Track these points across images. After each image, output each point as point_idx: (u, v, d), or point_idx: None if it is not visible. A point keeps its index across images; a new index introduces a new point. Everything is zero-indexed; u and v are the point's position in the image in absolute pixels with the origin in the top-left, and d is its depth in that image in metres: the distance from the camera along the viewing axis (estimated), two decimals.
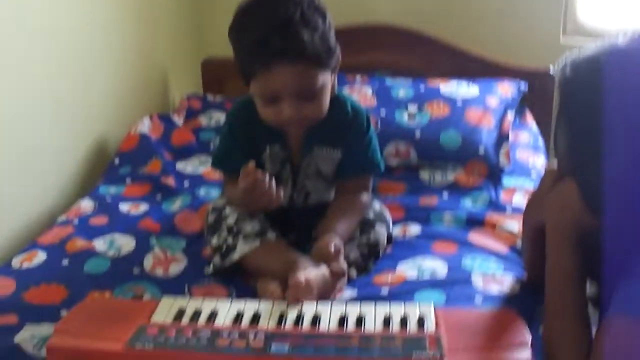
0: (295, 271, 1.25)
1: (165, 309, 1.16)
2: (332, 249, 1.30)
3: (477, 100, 1.94)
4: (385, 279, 1.36)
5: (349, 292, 1.33)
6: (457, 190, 1.72)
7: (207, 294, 1.32)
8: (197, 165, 1.91)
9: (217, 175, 1.74)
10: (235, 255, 1.36)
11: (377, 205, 1.52)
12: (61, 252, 1.46)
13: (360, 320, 1.12)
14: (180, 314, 1.15)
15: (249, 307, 1.17)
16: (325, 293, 1.26)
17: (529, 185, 1.74)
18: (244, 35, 1.34)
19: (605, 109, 0.97)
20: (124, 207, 1.68)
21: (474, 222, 1.57)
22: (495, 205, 1.65)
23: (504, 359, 1.02)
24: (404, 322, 1.12)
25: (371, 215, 1.47)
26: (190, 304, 1.18)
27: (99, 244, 1.50)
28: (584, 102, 1.03)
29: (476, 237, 1.51)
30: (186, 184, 1.81)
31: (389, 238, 1.50)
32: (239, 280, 1.37)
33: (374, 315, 1.14)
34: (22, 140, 1.65)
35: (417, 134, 1.84)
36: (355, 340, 1.06)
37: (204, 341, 1.06)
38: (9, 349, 1.17)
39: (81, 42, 1.87)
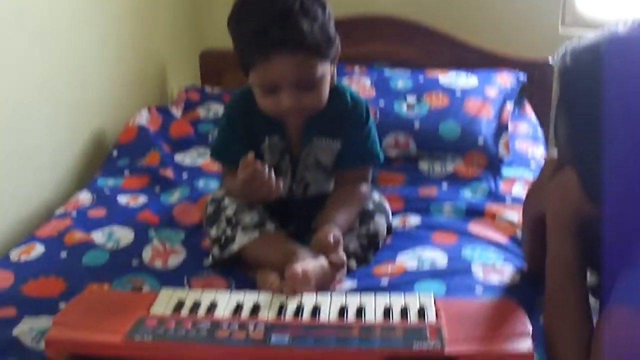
0: (293, 262, 1.25)
1: (165, 301, 1.16)
2: (332, 240, 1.29)
3: (476, 91, 1.93)
4: (385, 270, 1.36)
5: (348, 283, 1.33)
6: (456, 180, 1.72)
7: (207, 286, 1.32)
8: (196, 157, 1.90)
9: (215, 166, 1.74)
10: (235, 247, 1.35)
11: (376, 196, 1.51)
12: (59, 245, 1.46)
13: (360, 311, 1.12)
14: (179, 305, 1.14)
15: (248, 298, 1.17)
16: (325, 284, 1.26)
17: (528, 175, 1.74)
18: (243, 25, 1.34)
19: (605, 97, 0.97)
20: (123, 199, 1.68)
21: (474, 212, 1.57)
22: (495, 196, 1.65)
23: (504, 349, 1.02)
24: (404, 312, 1.11)
25: (371, 206, 1.47)
26: (189, 296, 1.17)
27: (98, 236, 1.49)
28: (584, 90, 1.03)
29: (476, 227, 1.51)
30: (185, 175, 1.80)
31: (389, 229, 1.50)
32: (238, 272, 1.37)
33: (374, 305, 1.14)
34: (20, 133, 1.65)
35: (416, 124, 1.84)
36: (355, 330, 1.06)
37: (203, 332, 1.06)
38: (8, 342, 1.17)
39: (79, 34, 1.86)
